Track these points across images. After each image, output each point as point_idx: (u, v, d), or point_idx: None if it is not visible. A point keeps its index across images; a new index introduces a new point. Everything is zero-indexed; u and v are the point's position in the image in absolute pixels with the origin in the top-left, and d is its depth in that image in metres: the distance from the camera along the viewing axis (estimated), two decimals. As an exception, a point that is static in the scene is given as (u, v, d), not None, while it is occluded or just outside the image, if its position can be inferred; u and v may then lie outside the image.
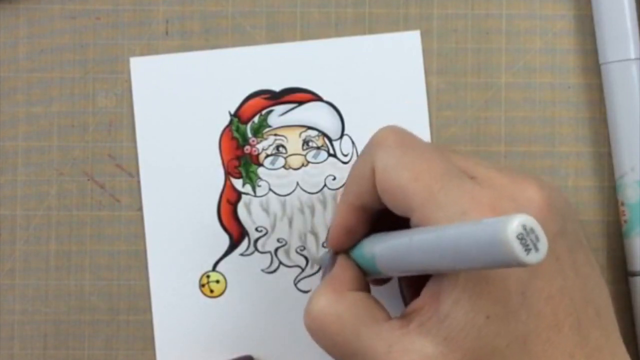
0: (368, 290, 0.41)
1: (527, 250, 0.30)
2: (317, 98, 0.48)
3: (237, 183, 0.48)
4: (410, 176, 0.37)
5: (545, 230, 0.35)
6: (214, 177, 0.48)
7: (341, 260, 0.41)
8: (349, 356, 0.38)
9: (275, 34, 0.49)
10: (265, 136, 0.48)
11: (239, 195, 0.48)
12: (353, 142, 0.48)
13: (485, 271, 0.36)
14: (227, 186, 0.48)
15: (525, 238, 0.30)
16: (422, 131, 0.48)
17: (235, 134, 0.48)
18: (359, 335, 0.38)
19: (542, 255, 0.31)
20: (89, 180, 0.48)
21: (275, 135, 0.48)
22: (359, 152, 0.47)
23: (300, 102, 0.48)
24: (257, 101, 0.48)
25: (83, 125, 0.48)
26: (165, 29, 0.49)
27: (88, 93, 0.49)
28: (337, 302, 0.39)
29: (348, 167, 0.48)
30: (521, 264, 0.30)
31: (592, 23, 0.48)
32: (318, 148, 0.48)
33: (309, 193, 0.48)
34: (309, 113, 0.48)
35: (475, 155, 0.41)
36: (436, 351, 0.36)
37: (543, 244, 0.31)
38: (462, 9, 0.48)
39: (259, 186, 0.48)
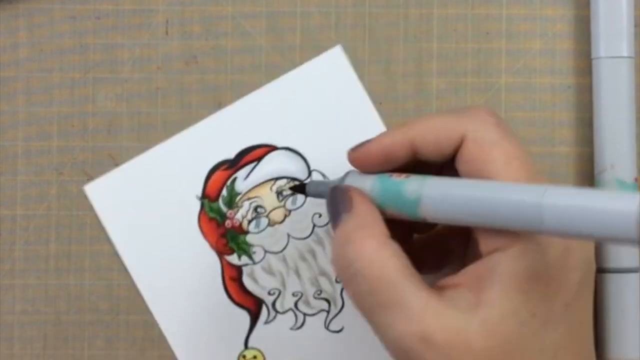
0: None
1: None
2: (273, 148, 0.48)
3: (233, 259, 0.48)
4: (504, 159, 0.38)
5: None
6: (209, 262, 0.48)
7: (364, 203, 0.40)
8: (382, 305, 0.37)
9: (275, 34, 0.49)
10: (239, 204, 0.48)
11: (239, 269, 0.48)
12: (323, 175, 0.48)
13: (539, 271, 0.36)
14: (225, 265, 0.48)
15: None
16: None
17: (212, 214, 0.48)
18: (397, 285, 0.37)
19: None
20: (89, 180, 0.48)
21: (249, 198, 0.48)
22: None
23: (259, 158, 0.48)
24: (218, 175, 0.48)
25: (83, 126, 0.49)
26: (165, 29, 0.49)
27: (88, 93, 0.49)
28: (380, 251, 0.38)
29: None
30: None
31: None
32: (293, 194, 0.48)
33: (303, 239, 0.48)
34: (271, 165, 0.48)
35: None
36: (469, 327, 0.36)
37: None
38: (462, 9, 0.49)
39: (254, 253, 0.48)
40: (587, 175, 0.48)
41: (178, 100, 0.49)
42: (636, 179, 0.47)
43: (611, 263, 0.46)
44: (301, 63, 0.49)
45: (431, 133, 0.39)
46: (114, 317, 0.48)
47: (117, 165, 0.48)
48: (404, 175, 0.39)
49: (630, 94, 0.47)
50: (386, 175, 0.40)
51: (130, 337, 0.48)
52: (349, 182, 0.41)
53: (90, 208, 0.48)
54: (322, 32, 0.49)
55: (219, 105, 0.49)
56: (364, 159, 0.41)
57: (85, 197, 0.48)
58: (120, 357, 0.48)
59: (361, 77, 0.49)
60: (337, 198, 0.40)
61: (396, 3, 0.48)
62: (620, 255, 0.46)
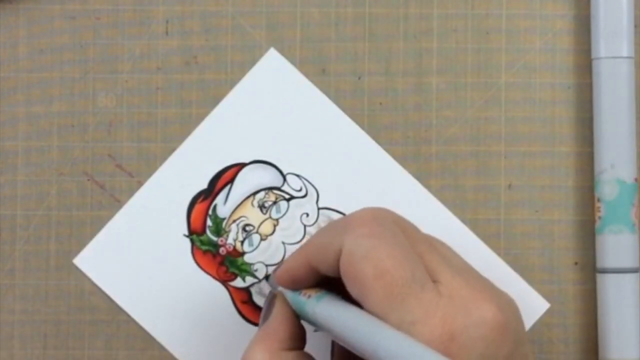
0: (303, 345, 0.41)
1: None
2: (242, 165, 0.48)
3: (238, 283, 0.48)
4: (374, 273, 0.37)
5: (493, 352, 0.37)
6: (216, 293, 0.48)
7: (279, 309, 0.41)
8: None
9: (275, 33, 0.49)
10: (227, 229, 0.48)
11: (247, 290, 0.48)
12: (298, 175, 0.48)
13: None
14: (232, 291, 0.48)
15: None
16: (343, 123, 0.48)
17: (204, 248, 0.48)
18: None
19: None
20: (89, 180, 0.48)
21: (234, 220, 0.48)
22: (308, 186, 0.48)
23: (232, 179, 0.48)
24: (198, 208, 0.48)
25: (83, 125, 0.49)
26: (165, 29, 0.49)
27: (88, 93, 0.49)
28: None
29: (310, 197, 0.48)
30: None
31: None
32: (275, 202, 0.48)
33: (298, 242, 0.48)
34: (245, 182, 0.48)
35: (449, 249, 0.42)
36: None
37: None
38: (462, 9, 0.48)
39: (256, 270, 0.48)
40: (587, 175, 0.48)
41: (178, 100, 0.49)
42: (636, 179, 0.47)
43: (611, 263, 0.47)
44: (301, 62, 0.49)
45: (319, 251, 0.40)
46: (113, 317, 0.48)
47: (117, 165, 0.48)
48: (308, 294, 0.41)
49: (630, 94, 0.47)
50: (297, 292, 0.42)
51: (130, 336, 0.48)
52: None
53: (90, 208, 0.48)
54: (322, 31, 0.49)
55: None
56: (280, 282, 0.42)
57: (85, 196, 0.48)
58: (120, 357, 0.48)
59: (361, 76, 0.49)
60: (266, 304, 0.42)
61: (396, 3, 0.48)
62: (620, 256, 0.46)
